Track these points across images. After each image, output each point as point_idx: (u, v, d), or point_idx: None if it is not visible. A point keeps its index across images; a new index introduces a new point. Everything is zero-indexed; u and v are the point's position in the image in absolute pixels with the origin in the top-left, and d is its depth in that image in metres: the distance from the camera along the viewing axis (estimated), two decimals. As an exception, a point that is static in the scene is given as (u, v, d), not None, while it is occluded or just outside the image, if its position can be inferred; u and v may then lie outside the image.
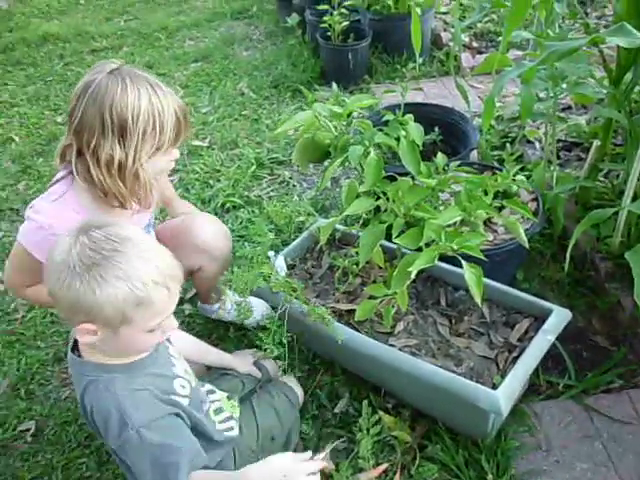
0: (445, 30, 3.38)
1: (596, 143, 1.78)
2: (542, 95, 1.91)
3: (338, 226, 1.68)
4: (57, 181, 1.34)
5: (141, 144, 1.24)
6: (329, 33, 3.05)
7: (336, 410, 1.55)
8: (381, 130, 1.43)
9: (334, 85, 1.57)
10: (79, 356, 1.09)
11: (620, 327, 1.64)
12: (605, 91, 1.67)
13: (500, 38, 2.44)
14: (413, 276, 1.22)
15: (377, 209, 1.48)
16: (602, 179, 2.01)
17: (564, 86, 1.65)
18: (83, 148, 1.25)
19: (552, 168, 1.83)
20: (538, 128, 2.29)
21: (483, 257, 1.20)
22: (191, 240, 1.56)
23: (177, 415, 1.09)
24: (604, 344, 1.64)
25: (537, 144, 2.26)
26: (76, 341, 1.09)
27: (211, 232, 1.60)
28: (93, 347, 1.05)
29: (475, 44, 3.23)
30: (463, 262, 1.21)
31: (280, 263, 1.60)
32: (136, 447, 1.01)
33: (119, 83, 1.21)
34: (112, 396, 1.02)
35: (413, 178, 1.40)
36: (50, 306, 1.45)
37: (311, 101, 1.38)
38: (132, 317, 0.97)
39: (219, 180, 2.48)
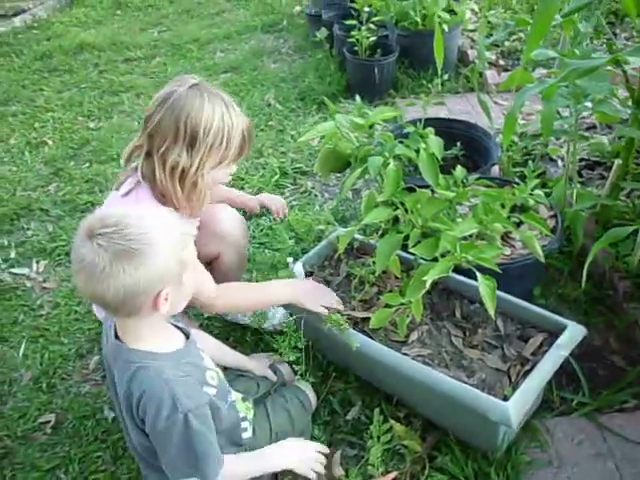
0: (472, 47, 3.40)
1: (618, 162, 1.78)
2: (566, 114, 1.92)
3: (357, 236, 1.71)
4: (122, 183, 1.46)
5: (207, 155, 1.37)
6: (356, 48, 3.10)
7: (348, 417, 1.57)
8: (402, 142, 1.46)
9: (357, 97, 1.60)
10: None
11: (637, 347, 1.63)
12: (628, 111, 1.67)
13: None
14: (428, 286, 1.23)
15: (395, 220, 1.51)
16: (624, 199, 2.00)
17: (587, 104, 1.66)
18: (153, 150, 1.37)
19: (573, 185, 1.83)
20: (561, 146, 2.29)
21: (497, 269, 1.21)
22: (209, 227, 1.64)
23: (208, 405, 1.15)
24: (620, 364, 1.62)
25: (559, 162, 2.26)
26: (116, 331, 1.14)
27: (227, 219, 1.71)
28: (139, 335, 1.12)
29: (502, 62, 3.25)
30: (478, 274, 1.23)
31: (298, 269, 1.63)
32: (180, 431, 1.06)
33: (198, 97, 1.35)
34: (164, 381, 1.07)
35: (432, 191, 1.43)
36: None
37: (333, 112, 1.42)
38: (184, 258, 1.07)
39: (243, 188, 2.53)
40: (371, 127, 1.47)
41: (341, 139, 1.49)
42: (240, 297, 1.57)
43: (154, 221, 1.05)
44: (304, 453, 1.34)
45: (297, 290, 1.55)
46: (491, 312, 1.21)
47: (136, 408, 1.09)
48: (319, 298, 1.53)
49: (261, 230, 2.28)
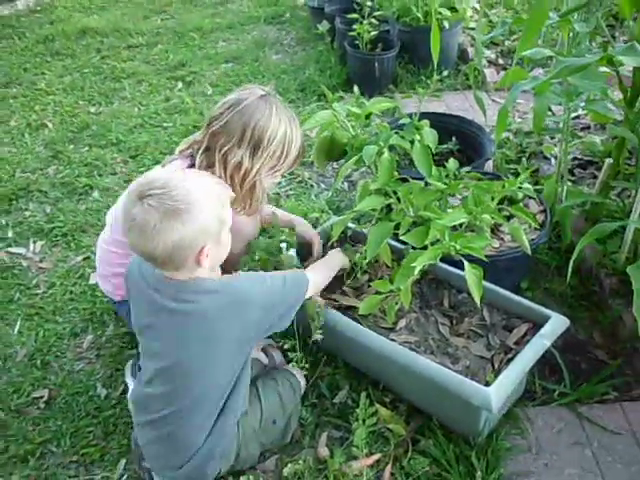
0: (472, 45, 3.43)
1: (609, 161, 1.82)
2: (560, 113, 1.95)
3: (350, 225, 1.74)
4: (168, 163, 1.56)
5: (267, 162, 1.49)
6: (357, 42, 3.12)
7: (335, 400, 1.61)
8: (397, 134, 1.49)
9: (355, 88, 1.63)
10: None
11: (620, 342, 1.67)
12: (622, 112, 1.71)
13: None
14: (417, 272, 1.27)
15: (388, 211, 1.55)
16: (614, 198, 2.04)
17: (579, 103, 1.70)
18: (214, 148, 1.48)
19: (564, 183, 1.87)
20: (555, 145, 2.33)
21: (484, 258, 1.25)
22: None
23: None
24: (603, 357, 1.67)
25: (553, 160, 2.30)
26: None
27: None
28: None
29: (501, 61, 3.28)
30: (465, 263, 1.26)
31: (292, 254, 1.66)
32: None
33: (268, 108, 1.47)
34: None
35: (426, 184, 1.46)
36: None
37: (332, 100, 1.45)
38: (223, 215, 1.21)
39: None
40: (368, 117, 1.50)
41: (338, 128, 1.52)
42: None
43: (196, 183, 1.18)
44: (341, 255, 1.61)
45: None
46: (477, 300, 1.25)
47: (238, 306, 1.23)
48: None
49: (257, 218, 2.31)
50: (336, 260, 1.60)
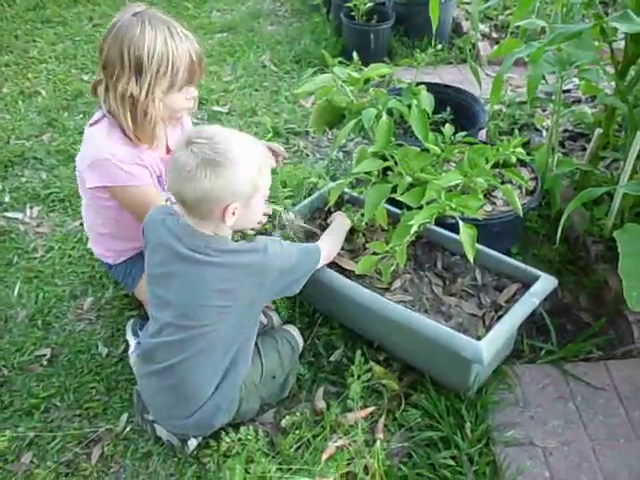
0: (466, 19, 3.44)
1: (598, 131, 1.87)
2: (551, 82, 1.99)
3: (347, 190, 1.78)
4: (96, 122, 1.52)
5: (154, 81, 1.41)
6: (353, 13, 3.13)
7: (331, 359, 1.67)
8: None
9: (355, 54, 1.66)
10: None
11: (605, 305, 1.73)
12: (610, 85, 1.75)
13: (519, 30, 2.53)
14: (413, 232, 1.32)
15: (385, 176, 1.59)
16: (603, 169, 2.10)
17: (572, 74, 1.74)
18: (108, 82, 1.43)
19: (554, 152, 1.92)
20: (547, 117, 2.37)
21: (479, 217, 1.29)
22: None
23: None
24: (588, 320, 1.74)
25: (544, 132, 2.34)
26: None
27: None
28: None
29: (495, 35, 3.31)
30: (460, 222, 1.31)
31: (290, 218, 1.70)
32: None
33: (139, 25, 1.37)
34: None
35: (422, 150, 1.50)
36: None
37: (332, 65, 1.48)
38: (259, 182, 1.26)
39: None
40: (366, 82, 1.53)
41: (337, 93, 1.55)
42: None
43: (240, 143, 1.24)
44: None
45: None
46: (470, 258, 1.30)
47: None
48: None
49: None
50: (342, 225, 1.65)
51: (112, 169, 1.48)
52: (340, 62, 1.61)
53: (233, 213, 1.25)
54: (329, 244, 1.55)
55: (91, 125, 1.53)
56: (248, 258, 1.29)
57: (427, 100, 1.46)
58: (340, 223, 1.66)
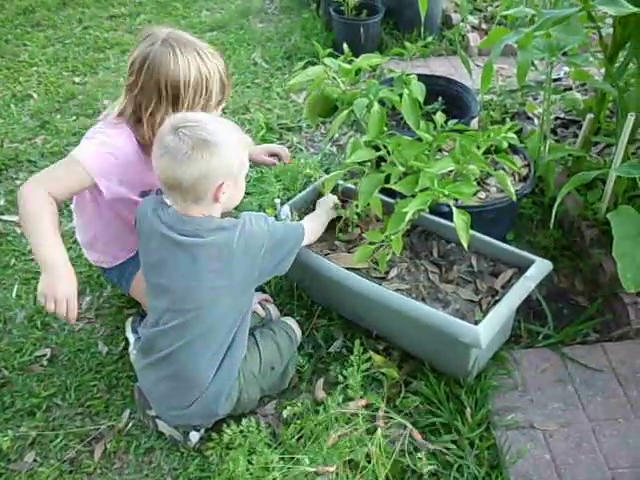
0: (455, 11, 3.45)
1: (589, 117, 1.88)
2: (541, 69, 2.01)
3: (341, 181, 1.79)
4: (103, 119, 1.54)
5: (190, 106, 1.45)
6: (342, 7, 3.13)
7: (330, 350, 1.68)
8: (386, 89, 1.53)
9: (345, 46, 1.66)
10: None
11: (600, 288, 1.75)
12: (600, 72, 1.76)
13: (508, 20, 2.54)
14: (408, 219, 1.33)
15: (378, 166, 1.60)
16: (595, 156, 2.11)
17: (562, 59, 1.75)
18: (139, 112, 1.46)
19: (546, 139, 1.93)
20: (538, 105, 2.38)
21: (472, 202, 1.30)
22: None
23: None
24: (584, 304, 1.75)
25: (536, 120, 2.35)
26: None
27: None
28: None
29: (484, 26, 3.32)
30: (454, 208, 1.32)
31: (285, 211, 1.71)
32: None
33: (171, 54, 1.40)
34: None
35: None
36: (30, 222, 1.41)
37: (323, 55, 1.48)
38: (242, 158, 1.33)
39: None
40: (357, 73, 1.54)
41: (328, 85, 1.56)
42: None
43: (224, 124, 1.32)
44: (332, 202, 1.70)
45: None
46: (464, 244, 1.31)
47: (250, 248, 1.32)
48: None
49: (248, 181, 2.35)
50: (327, 207, 1.68)
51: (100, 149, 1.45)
52: (331, 54, 1.62)
53: (224, 192, 1.29)
54: (313, 222, 1.60)
55: (114, 126, 1.50)
56: (237, 236, 1.30)
57: (418, 89, 1.47)
58: (325, 204, 1.69)
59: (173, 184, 1.27)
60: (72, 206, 1.77)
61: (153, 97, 1.43)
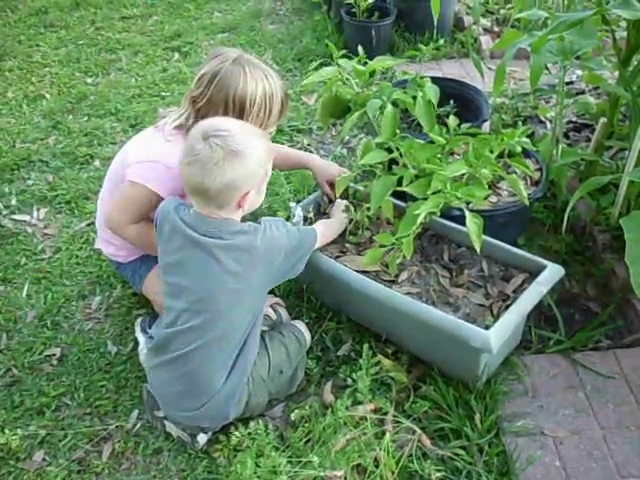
0: (467, 14, 3.44)
1: (602, 120, 1.86)
2: (554, 72, 1.99)
3: (352, 184, 1.78)
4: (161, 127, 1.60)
5: (253, 123, 1.53)
6: (354, 10, 3.13)
7: (339, 353, 1.67)
8: (398, 92, 1.52)
9: (360, 48, 1.66)
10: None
11: (612, 294, 1.73)
12: (613, 76, 1.75)
13: (521, 23, 2.53)
14: (419, 222, 1.32)
15: (390, 168, 1.59)
16: (608, 160, 2.09)
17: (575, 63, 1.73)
18: None
19: (559, 143, 1.91)
20: (550, 108, 2.37)
21: (484, 206, 1.29)
22: None
23: None
24: (596, 309, 1.73)
25: (548, 124, 2.34)
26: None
27: None
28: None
29: (496, 29, 3.30)
30: (466, 212, 1.31)
31: (299, 213, 1.71)
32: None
33: (242, 73, 1.51)
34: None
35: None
36: (148, 243, 1.59)
37: (337, 56, 1.48)
38: (267, 168, 1.35)
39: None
40: (371, 75, 1.53)
41: (341, 86, 1.56)
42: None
43: (253, 133, 1.33)
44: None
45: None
46: (477, 247, 1.30)
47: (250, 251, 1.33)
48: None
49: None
50: (341, 216, 1.68)
51: (160, 174, 1.53)
52: (344, 55, 1.62)
53: (248, 199, 1.32)
54: (325, 227, 1.61)
55: (167, 142, 1.56)
56: (258, 240, 1.33)
57: (432, 91, 1.47)
58: (338, 217, 1.69)
59: (200, 190, 1.29)
60: (98, 202, 1.80)
61: (220, 110, 1.51)
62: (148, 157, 1.55)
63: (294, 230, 1.43)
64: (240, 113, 1.52)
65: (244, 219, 1.41)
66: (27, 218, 2.32)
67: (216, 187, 1.26)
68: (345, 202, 1.70)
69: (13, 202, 2.40)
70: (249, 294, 1.35)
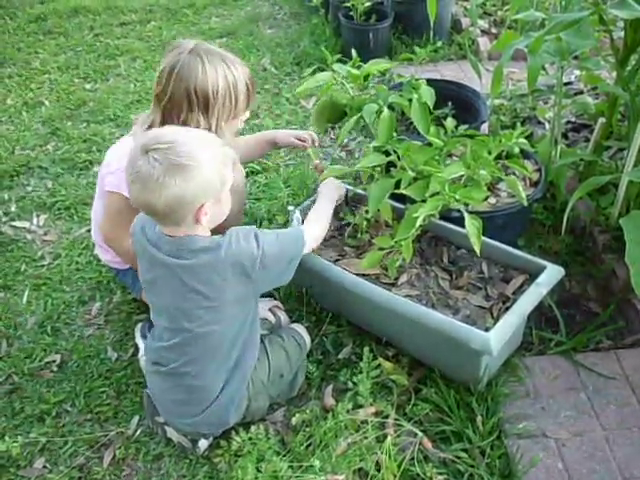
0: (465, 16, 3.44)
1: (601, 121, 1.86)
2: (551, 73, 1.99)
3: (350, 187, 1.78)
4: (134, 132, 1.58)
5: (220, 114, 1.49)
6: (352, 13, 3.14)
7: (339, 356, 1.66)
8: (395, 95, 1.52)
9: (354, 51, 1.66)
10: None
11: (613, 294, 1.72)
12: (611, 76, 1.75)
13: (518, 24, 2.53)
14: (418, 224, 1.32)
15: (388, 171, 1.59)
16: (607, 160, 2.09)
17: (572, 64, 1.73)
18: (171, 121, 1.49)
19: (557, 144, 1.91)
20: (549, 109, 2.37)
21: (483, 208, 1.29)
22: None
23: None
24: (597, 310, 1.73)
25: (547, 125, 2.34)
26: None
27: None
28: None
29: (494, 30, 3.31)
30: (465, 214, 1.31)
31: (297, 216, 1.70)
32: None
33: (199, 63, 1.45)
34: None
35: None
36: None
37: (331, 62, 1.48)
38: (225, 175, 1.23)
39: (239, 147, 2.58)
40: (366, 79, 1.53)
41: (337, 90, 1.56)
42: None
43: (201, 141, 1.20)
44: (333, 184, 1.66)
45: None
46: (477, 249, 1.30)
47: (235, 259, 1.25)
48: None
49: (257, 187, 2.36)
50: (328, 200, 1.60)
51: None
52: (339, 60, 1.62)
53: (206, 213, 1.22)
54: (314, 225, 1.50)
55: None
56: (220, 253, 1.23)
57: (427, 93, 1.46)
58: (325, 195, 1.60)
59: (148, 209, 1.21)
60: (92, 214, 1.79)
61: (184, 105, 1.46)
62: (119, 164, 1.48)
63: (270, 239, 1.31)
64: (205, 106, 1.47)
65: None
66: (27, 225, 2.32)
67: (163, 205, 1.15)
68: (332, 179, 1.67)
69: (13, 209, 2.40)
70: (226, 307, 1.28)
